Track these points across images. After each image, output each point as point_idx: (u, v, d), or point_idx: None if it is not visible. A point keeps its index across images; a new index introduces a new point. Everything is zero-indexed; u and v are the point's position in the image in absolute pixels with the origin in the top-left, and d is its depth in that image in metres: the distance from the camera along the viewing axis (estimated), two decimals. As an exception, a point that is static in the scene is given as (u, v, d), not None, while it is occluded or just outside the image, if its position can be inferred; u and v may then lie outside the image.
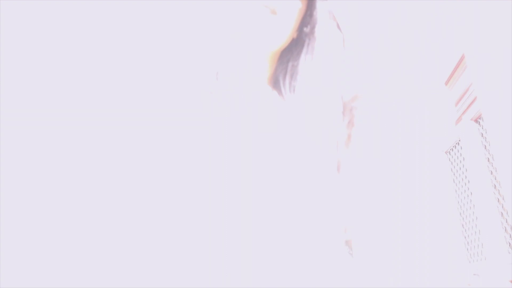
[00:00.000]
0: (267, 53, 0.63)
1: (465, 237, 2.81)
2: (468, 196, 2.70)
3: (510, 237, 2.21)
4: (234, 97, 0.60)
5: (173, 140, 0.57)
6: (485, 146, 2.39)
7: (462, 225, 2.83)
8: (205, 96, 0.60)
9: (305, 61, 0.65)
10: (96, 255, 0.59)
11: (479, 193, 2.46)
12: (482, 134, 2.45)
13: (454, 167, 2.95)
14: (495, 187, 2.29)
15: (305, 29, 0.64)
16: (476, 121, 2.53)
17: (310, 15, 0.64)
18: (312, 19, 0.64)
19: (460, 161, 2.81)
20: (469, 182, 2.64)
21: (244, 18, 0.59)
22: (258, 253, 0.55)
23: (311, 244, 0.56)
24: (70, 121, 0.61)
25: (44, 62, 0.67)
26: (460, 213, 2.86)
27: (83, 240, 0.60)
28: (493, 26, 1.79)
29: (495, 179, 2.27)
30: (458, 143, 2.81)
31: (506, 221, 2.22)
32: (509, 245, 2.20)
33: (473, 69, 1.99)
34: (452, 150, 2.96)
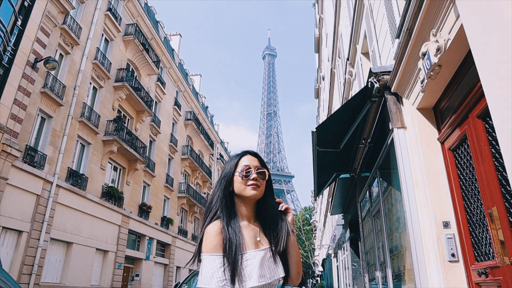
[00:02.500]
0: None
1: (472, 236, 2.78)
2: (475, 194, 2.67)
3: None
4: None
5: None
6: (492, 143, 2.36)
7: (470, 223, 2.80)
8: None
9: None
10: None
11: (486, 191, 2.43)
12: (489, 131, 2.42)
13: (461, 165, 2.92)
14: (502, 185, 2.26)
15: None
16: (482, 118, 2.50)
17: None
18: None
19: (467, 159, 2.78)
20: (476, 180, 2.61)
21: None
22: None
23: None
24: None
25: None
26: (468, 211, 2.83)
27: None
28: (500, 22, 1.76)
29: (502, 177, 2.24)
30: (465, 141, 2.78)
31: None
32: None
33: (480, 66, 1.96)
34: (459, 148, 2.93)
